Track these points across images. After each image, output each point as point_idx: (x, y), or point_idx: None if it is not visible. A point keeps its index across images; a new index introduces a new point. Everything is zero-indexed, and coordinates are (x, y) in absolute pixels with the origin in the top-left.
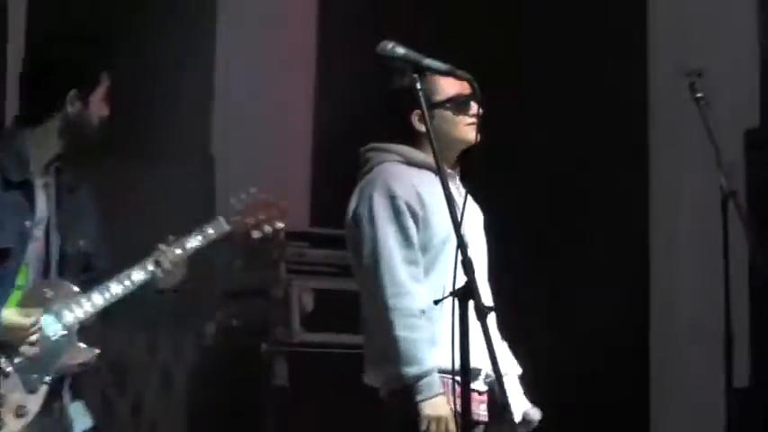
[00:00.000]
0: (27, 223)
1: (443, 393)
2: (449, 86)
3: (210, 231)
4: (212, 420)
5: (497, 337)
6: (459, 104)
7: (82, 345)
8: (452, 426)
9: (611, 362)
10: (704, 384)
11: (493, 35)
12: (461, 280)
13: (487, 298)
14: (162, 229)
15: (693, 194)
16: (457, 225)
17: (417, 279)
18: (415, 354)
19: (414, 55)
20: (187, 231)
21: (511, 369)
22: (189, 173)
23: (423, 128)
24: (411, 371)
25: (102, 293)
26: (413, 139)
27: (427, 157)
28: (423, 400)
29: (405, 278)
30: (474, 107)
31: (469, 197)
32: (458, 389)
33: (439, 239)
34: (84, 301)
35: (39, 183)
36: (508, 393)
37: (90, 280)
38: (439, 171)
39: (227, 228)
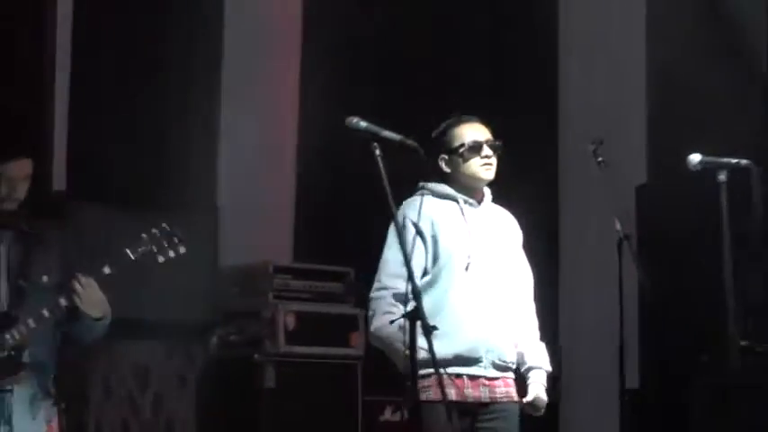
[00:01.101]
0: None
1: None
2: (464, 134)
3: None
4: (217, 414)
5: (536, 338)
6: (471, 148)
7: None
8: None
9: None
10: (603, 386)
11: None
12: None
13: (520, 311)
14: (169, 273)
15: (595, 237)
16: (407, 258)
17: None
18: None
19: (373, 127)
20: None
21: (541, 364)
22: (195, 222)
23: (448, 169)
24: None
25: (36, 319)
26: (443, 175)
27: (449, 190)
28: None
29: (386, 279)
30: (486, 149)
31: (502, 219)
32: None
33: (446, 254)
34: (21, 327)
35: None
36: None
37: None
38: (388, 205)
39: (132, 258)
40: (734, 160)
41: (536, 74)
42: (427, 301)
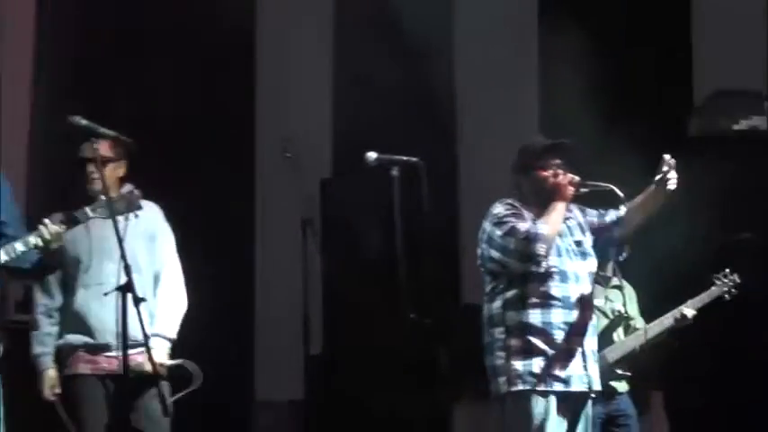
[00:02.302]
0: None
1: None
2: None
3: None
4: None
5: (167, 307)
6: (80, 165)
7: None
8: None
9: (224, 343)
10: (293, 353)
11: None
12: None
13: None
14: None
15: (284, 223)
16: (120, 240)
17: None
18: None
19: (93, 125)
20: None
21: (160, 331)
22: None
23: None
24: None
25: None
26: None
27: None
28: None
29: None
30: (88, 166)
31: (139, 214)
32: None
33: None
34: None
35: None
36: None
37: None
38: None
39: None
40: (405, 158)
41: (234, 78)
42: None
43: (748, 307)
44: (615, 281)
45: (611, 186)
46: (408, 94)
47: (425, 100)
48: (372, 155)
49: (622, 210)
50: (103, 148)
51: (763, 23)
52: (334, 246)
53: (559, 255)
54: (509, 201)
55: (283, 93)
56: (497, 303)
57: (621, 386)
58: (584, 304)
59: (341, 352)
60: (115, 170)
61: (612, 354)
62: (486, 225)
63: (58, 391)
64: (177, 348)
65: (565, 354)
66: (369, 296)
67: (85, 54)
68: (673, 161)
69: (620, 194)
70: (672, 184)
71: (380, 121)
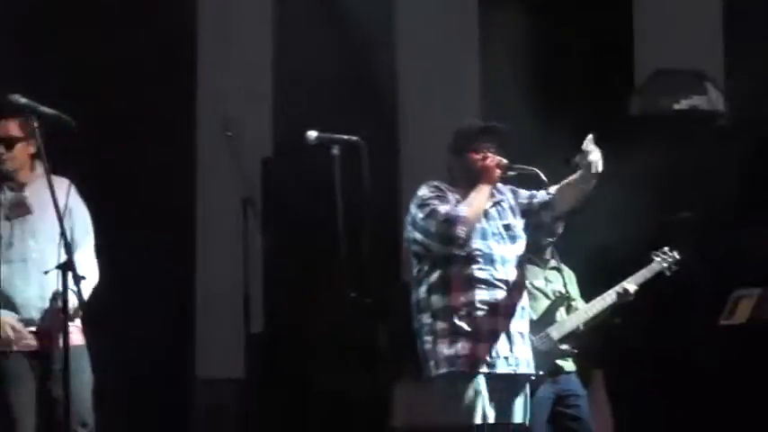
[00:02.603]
0: None
1: None
2: None
3: None
4: None
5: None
6: None
7: None
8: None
9: (165, 321)
10: (234, 331)
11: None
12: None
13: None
14: None
15: (225, 201)
16: (60, 219)
17: None
18: None
19: (32, 103)
20: None
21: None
22: None
23: None
24: None
25: None
26: None
27: None
28: None
29: None
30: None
31: (52, 189)
32: None
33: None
34: None
35: None
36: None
37: None
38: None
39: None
40: (345, 137)
41: (175, 56)
42: None
43: (687, 287)
44: (553, 263)
45: (536, 170)
46: (349, 75)
47: (367, 80)
48: (313, 134)
49: (552, 189)
50: (12, 128)
51: (705, 1)
52: (275, 225)
53: (485, 238)
54: (435, 183)
55: (224, 71)
56: (423, 288)
57: (568, 365)
58: (512, 286)
59: (281, 330)
60: (25, 149)
61: (556, 332)
62: (412, 208)
63: (18, 326)
64: (117, 326)
65: (491, 336)
66: (309, 275)
67: (22, 27)
68: (590, 142)
69: (544, 179)
70: (596, 167)
71: (321, 101)
